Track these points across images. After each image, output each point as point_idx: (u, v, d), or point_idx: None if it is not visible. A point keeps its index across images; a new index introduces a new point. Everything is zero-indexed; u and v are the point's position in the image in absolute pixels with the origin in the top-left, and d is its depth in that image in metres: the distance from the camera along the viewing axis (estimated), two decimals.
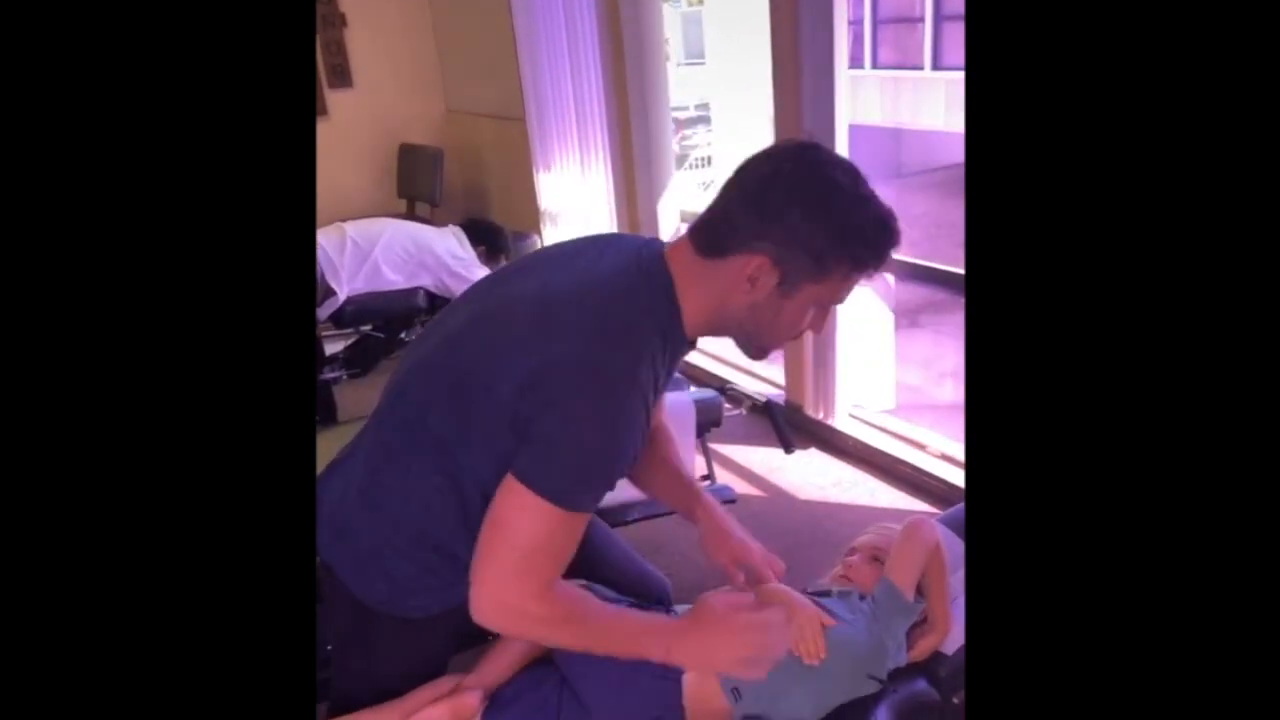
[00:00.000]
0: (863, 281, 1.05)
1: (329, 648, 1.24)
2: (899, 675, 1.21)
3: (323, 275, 3.21)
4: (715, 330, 1.08)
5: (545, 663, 1.20)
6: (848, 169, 1.01)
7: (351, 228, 3.36)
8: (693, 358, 3.72)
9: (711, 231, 1.03)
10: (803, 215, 0.98)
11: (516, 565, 0.99)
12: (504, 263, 3.28)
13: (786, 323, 1.05)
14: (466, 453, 1.04)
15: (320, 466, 1.01)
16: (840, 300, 1.06)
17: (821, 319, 1.07)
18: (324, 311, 3.27)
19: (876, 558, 1.30)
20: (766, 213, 0.99)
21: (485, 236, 3.51)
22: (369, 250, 3.29)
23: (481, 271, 3.35)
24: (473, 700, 1.14)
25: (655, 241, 1.11)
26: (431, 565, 1.11)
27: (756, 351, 1.11)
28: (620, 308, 1.01)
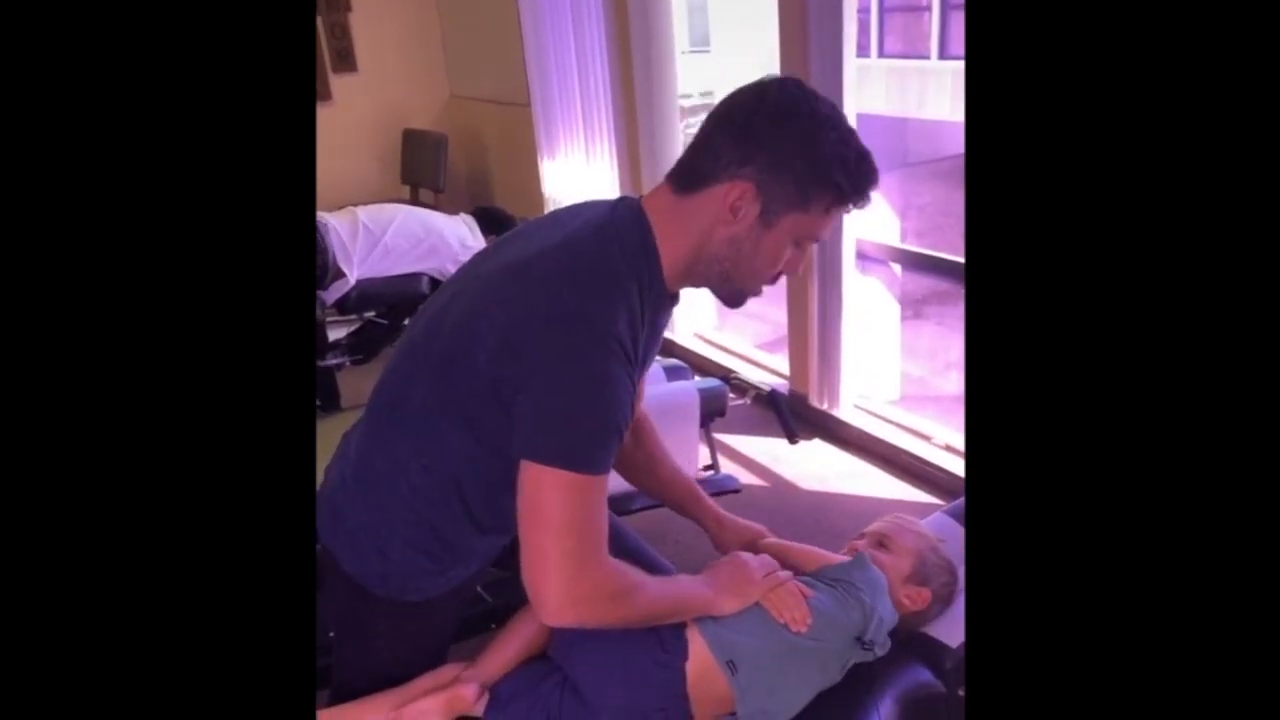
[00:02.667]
0: (843, 216, 1.04)
1: (330, 634, 1.23)
2: (898, 659, 1.22)
3: (334, 258, 3.20)
4: (694, 276, 1.06)
5: (545, 659, 1.19)
6: (831, 104, 1.01)
7: (363, 212, 3.35)
8: (698, 347, 3.73)
9: (692, 165, 1.02)
10: (788, 139, 0.98)
11: (572, 553, 0.96)
12: None
13: (766, 259, 1.04)
14: (453, 429, 1.03)
15: (322, 452, 1.00)
16: (819, 237, 1.05)
17: (798, 259, 1.06)
18: (334, 294, 3.25)
19: (882, 544, 1.32)
20: (751, 137, 0.98)
21: (496, 225, 3.49)
22: (380, 235, 3.28)
23: None
24: (470, 693, 1.13)
25: (632, 196, 1.09)
26: (427, 547, 1.11)
27: (733, 296, 1.09)
28: (591, 259, 0.99)
